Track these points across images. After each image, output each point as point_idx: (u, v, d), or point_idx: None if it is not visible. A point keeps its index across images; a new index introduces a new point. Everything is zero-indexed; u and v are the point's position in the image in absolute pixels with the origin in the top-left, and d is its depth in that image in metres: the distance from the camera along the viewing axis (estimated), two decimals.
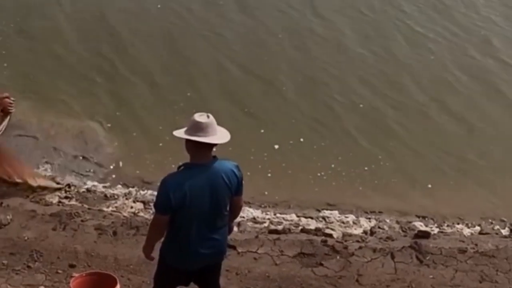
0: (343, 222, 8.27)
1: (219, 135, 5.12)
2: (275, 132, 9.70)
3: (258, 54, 11.25)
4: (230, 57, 11.12)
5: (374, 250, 7.35)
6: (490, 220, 8.52)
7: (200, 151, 5.10)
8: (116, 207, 8.25)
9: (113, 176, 8.84)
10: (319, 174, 9.06)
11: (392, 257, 7.26)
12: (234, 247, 7.16)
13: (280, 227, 7.97)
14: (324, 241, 7.47)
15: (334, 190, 8.84)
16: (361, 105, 10.28)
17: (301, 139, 9.59)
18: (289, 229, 7.90)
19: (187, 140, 5.09)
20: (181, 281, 5.48)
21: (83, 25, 11.58)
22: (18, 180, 8.11)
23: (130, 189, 8.62)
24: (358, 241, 7.63)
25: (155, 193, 5.42)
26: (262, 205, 8.50)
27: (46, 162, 8.87)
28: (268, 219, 8.24)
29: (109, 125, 9.60)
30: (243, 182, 5.31)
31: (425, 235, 7.83)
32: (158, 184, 5.16)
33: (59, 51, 10.95)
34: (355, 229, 8.16)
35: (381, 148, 9.55)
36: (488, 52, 11.62)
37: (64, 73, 10.53)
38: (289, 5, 12.45)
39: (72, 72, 10.54)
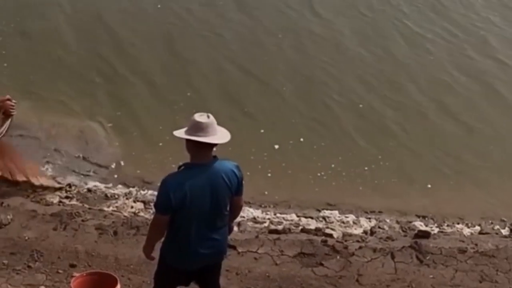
0: (343, 222, 8.27)
1: (219, 135, 5.12)
2: (275, 132, 9.70)
3: (257, 54, 11.25)
4: (229, 57, 11.12)
5: (374, 250, 7.36)
6: (490, 220, 8.51)
7: (201, 151, 5.10)
8: (116, 207, 8.25)
9: (114, 176, 8.85)
10: (319, 174, 9.06)
11: (392, 257, 7.26)
12: (234, 247, 7.16)
13: (280, 227, 7.97)
14: (324, 241, 7.47)
15: (334, 190, 8.84)
16: (360, 105, 10.29)
17: (301, 139, 9.60)
18: (289, 229, 7.90)
19: (188, 140, 5.09)
20: (181, 281, 5.48)
21: (82, 25, 11.58)
22: (21, 178, 8.13)
23: (131, 189, 8.62)
24: (358, 241, 7.63)
25: (156, 193, 5.43)
26: (262, 205, 8.51)
27: (47, 162, 8.88)
28: (268, 219, 8.24)
29: (109, 125, 9.61)
30: (243, 182, 5.31)
31: (425, 235, 7.84)
32: (159, 184, 5.17)
33: (59, 51, 10.95)
34: (355, 229, 8.16)
35: (381, 148, 9.55)
36: (486, 52, 11.61)
37: (65, 73, 10.53)
38: (288, 5, 12.45)
39: (72, 73, 10.55)
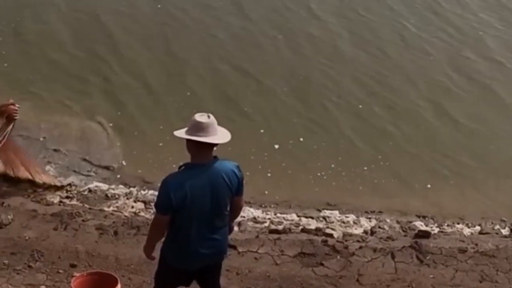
0: (343, 222, 8.28)
1: (220, 135, 5.12)
2: (275, 132, 9.71)
3: (255, 55, 11.25)
4: (226, 57, 11.12)
5: (375, 250, 7.36)
6: (490, 220, 8.53)
7: (201, 151, 5.10)
8: (117, 207, 8.26)
9: (114, 176, 8.85)
10: (319, 174, 9.07)
11: (393, 257, 7.27)
12: (234, 247, 7.16)
13: (280, 227, 7.98)
14: (325, 241, 7.48)
15: (334, 190, 8.85)
16: (360, 106, 10.30)
17: (301, 139, 9.61)
18: (290, 229, 7.91)
19: (188, 140, 5.09)
20: (181, 281, 5.48)
21: (80, 27, 11.58)
22: (23, 175, 8.14)
23: (131, 189, 8.63)
24: (358, 241, 7.64)
25: (156, 193, 5.41)
26: (263, 205, 8.51)
27: (48, 162, 8.89)
28: (269, 219, 8.25)
29: (110, 125, 9.61)
30: (244, 182, 5.30)
31: (425, 235, 7.85)
32: (159, 184, 5.16)
33: (59, 52, 10.96)
34: (355, 229, 8.17)
35: (380, 148, 9.56)
36: (484, 53, 11.63)
37: (64, 73, 10.53)
38: (285, 5, 12.45)
39: (72, 73, 10.55)
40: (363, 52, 11.44)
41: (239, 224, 7.85)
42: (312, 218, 8.32)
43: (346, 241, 7.62)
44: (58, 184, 8.44)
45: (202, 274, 5.44)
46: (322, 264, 7.13)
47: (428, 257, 7.29)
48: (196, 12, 12.14)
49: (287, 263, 7.14)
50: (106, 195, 8.44)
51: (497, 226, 8.42)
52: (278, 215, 8.34)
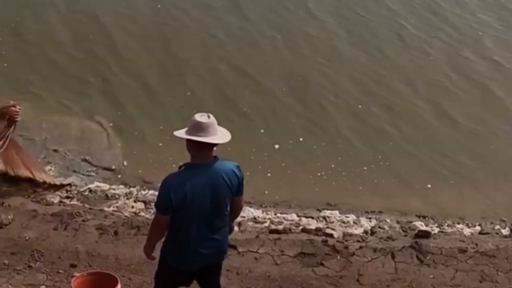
0: (343, 222, 8.28)
1: (220, 135, 5.12)
2: (275, 132, 9.71)
3: (255, 55, 11.26)
4: (226, 57, 11.13)
5: (375, 250, 7.36)
6: (490, 220, 8.53)
7: (201, 151, 5.10)
8: (117, 207, 8.26)
9: (114, 176, 8.85)
10: (319, 174, 9.07)
11: (393, 257, 7.27)
12: (234, 247, 7.16)
13: (280, 227, 7.98)
14: (325, 241, 7.48)
15: (334, 190, 8.85)
16: (359, 106, 10.30)
17: (301, 139, 9.61)
18: (290, 229, 7.91)
19: (188, 140, 5.09)
20: (181, 281, 5.48)
21: (79, 27, 11.58)
22: (24, 174, 8.14)
23: (131, 189, 8.63)
24: (358, 241, 7.63)
25: (156, 193, 5.43)
26: (263, 205, 8.51)
27: (48, 162, 8.89)
28: (269, 219, 8.25)
29: (110, 125, 9.62)
30: (244, 182, 5.30)
31: (425, 235, 7.84)
32: (159, 184, 5.16)
33: (59, 52, 10.96)
34: (355, 229, 8.17)
35: (380, 148, 9.56)
36: (483, 53, 11.63)
37: (64, 74, 10.53)
38: (283, 6, 12.45)
39: (72, 73, 10.55)
40: (361, 52, 11.44)
41: (239, 224, 7.85)
42: (312, 218, 8.32)
43: (346, 241, 7.62)
44: (58, 184, 8.44)
45: (202, 274, 5.44)
46: (322, 264, 7.13)
47: (428, 257, 7.29)
48: (196, 12, 12.14)
49: (287, 263, 7.13)
50: (106, 195, 8.44)
51: (497, 226, 8.42)
52: (278, 215, 8.34)
